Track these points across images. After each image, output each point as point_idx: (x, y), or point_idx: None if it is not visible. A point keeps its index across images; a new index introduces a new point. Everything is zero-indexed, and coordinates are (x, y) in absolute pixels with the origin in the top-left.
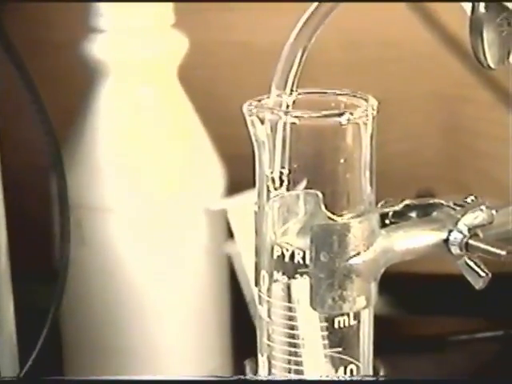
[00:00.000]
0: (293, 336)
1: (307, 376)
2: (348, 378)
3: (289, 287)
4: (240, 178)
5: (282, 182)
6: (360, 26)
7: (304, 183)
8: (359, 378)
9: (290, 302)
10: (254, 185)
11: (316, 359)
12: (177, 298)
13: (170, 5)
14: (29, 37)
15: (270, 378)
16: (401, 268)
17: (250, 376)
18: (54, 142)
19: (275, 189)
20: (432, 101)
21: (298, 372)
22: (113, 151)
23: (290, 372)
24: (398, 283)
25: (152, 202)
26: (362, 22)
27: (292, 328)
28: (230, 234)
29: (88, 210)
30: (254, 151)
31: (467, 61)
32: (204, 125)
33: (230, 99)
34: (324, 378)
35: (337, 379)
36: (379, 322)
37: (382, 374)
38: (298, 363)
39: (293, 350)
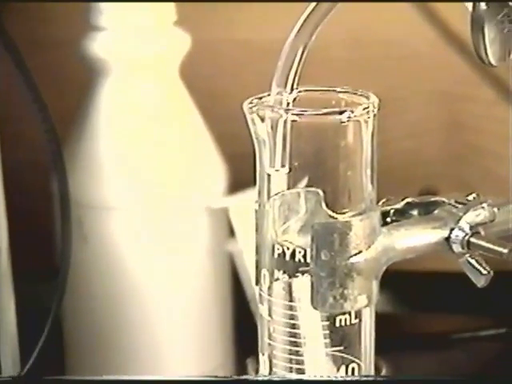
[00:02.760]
0: (294, 335)
1: (307, 376)
2: (348, 378)
3: (290, 286)
4: (242, 176)
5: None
6: (362, 25)
7: (305, 181)
8: (359, 378)
9: (291, 300)
10: (255, 183)
11: (317, 358)
12: (178, 295)
13: (172, 2)
14: (29, 35)
15: (270, 377)
16: (404, 266)
17: (249, 376)
18: (55, 139)
19: (276, 170)
20: (434, 99)
21: (299, 371)
22: (114, 149)
23: (291, 371)
24: (401, 281)
25: (153, 200)
26: (364, 20)
27: (293, 327)
28: (232, 232)
29: (89, 208)
30: (254, 149)
31: (470, 59)
32: (206, 123)
33: (232, 97)
34: (324, 378)
35: (336, 379)
36: (382, 320)
37: (384, 372)
38: (299, 362)
39: (294, 348)
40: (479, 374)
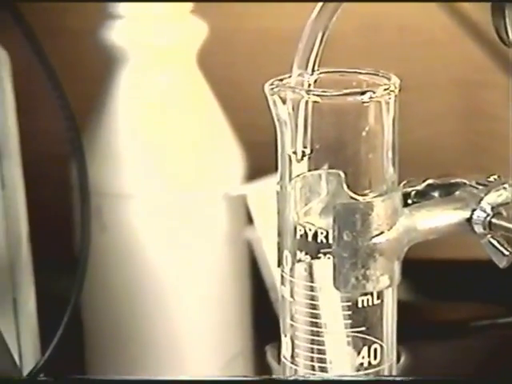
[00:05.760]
0: (316, 316)
1: (308, 376)
2: (353, 378)
3: (312, 267)
4: (259, 164)
5: (304, 155)
6: (378, 11)
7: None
8: (365, 378)
9: (312, 281)
10: (274, 169)
11: (338, 340)
12: (197, 283)
13: None
14: (47, 24)
15: (274, 377)
16: (422, 254)
17: (251, 376)
18: (75, 127)
19: (297, 161)
20: (451, 86)
21: (320, 352)
22: (132, 137)
23: (312, 352)
24: (419, 269)
25: (172, 187)
26: (379, 6)
27: (315, 308)
28: (250, 220)
29: (108, 196)
30: (275, 133)
31: (486, 46)
32: (223, 111)
33: (249, 85)
34: (329, 378)
35: (342, 379)
36: (401, 307)
37: (403, 359)
38: (320, 343)
39: (315, 329)
40: (496, 362)
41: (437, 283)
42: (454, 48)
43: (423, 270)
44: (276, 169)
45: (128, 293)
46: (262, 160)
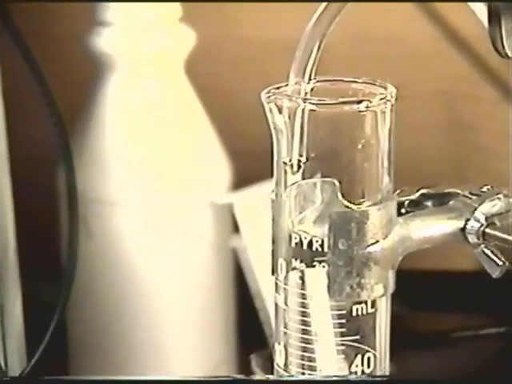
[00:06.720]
0: (309, 324)
1: (301, 376)
2: (345, 378)
3: (306, 275)
4: (246, 173)
5: (299, 167)
6: (363, 22)
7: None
8: (361, 378)
9: (307, 289)
10: (261, 178)
11: (329, 349)
12: (183, 291)
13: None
14: (36, 30)
15: (270, 377)
16: (405, 265)
17: (249, 376)
18: (63, 134)
19: (293, 173)
20: (435, 97)
21: (311, 360)
22: (120, 145)
23: (303, 360)
24: (402, 280)
25: (158, 195)
26: (365, 17)
27: (308, 316)
28: (236, 228)
29: (95, 203)
30: (271, 141)
31: (471, 58)
32: (210, 119)
33: (237, 94)
34: (324, 378)
35: (332, 379)
36: None
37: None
38: (312, 351)
39: (309, 337)
40: (479, 373)
41: (419, 294)
42: (439, 59)
43: (406, 281)
44: (264, 177)
45: (114, 300)
46: (248, 168)
